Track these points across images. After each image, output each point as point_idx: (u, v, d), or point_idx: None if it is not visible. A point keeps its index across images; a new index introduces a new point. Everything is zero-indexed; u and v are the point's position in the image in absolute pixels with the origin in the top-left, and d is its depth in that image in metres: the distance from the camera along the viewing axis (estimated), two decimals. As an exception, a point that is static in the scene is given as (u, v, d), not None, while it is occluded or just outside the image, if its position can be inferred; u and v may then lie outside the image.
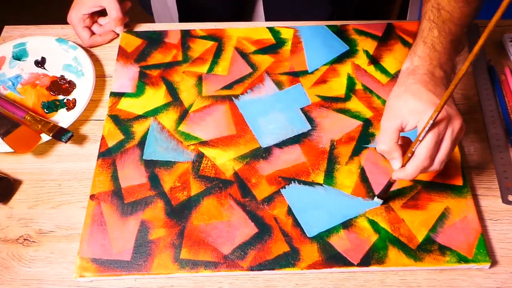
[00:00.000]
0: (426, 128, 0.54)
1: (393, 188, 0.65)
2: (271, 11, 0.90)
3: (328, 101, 0.75)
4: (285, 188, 0.66)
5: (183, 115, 0.74)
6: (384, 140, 0.57)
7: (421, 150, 0.55)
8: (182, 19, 0.93)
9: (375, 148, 0.69)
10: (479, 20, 0.85)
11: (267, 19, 0.91)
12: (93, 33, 0.84)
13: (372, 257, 0.60)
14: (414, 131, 0.57)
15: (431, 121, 0.53)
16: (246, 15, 0.95)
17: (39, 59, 0.82)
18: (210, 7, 0.94)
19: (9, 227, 0.66)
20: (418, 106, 0.55)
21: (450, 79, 0.60)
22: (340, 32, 0.83)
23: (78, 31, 0.83)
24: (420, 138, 0.54)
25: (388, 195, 0.64)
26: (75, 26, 0.83)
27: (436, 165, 0.56)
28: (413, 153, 0.56)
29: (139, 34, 0.84)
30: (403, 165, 0.57)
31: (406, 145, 0.58)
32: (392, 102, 0.58)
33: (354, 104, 0.74)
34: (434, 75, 0.58)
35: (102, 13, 0.84)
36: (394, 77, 0.77)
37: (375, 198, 0.64)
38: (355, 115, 0.73)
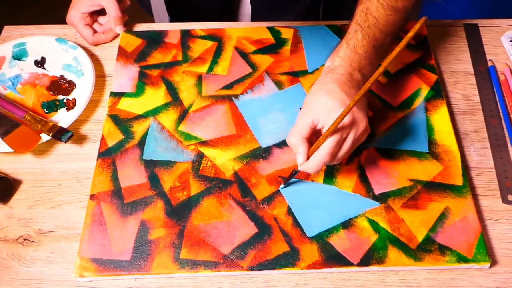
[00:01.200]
0: (331, 125, 0.56)
1: (393, 188, 0.65)
2: (258, 8, 0.90)
3: (328, 101, 0.74)
4: (284, 185, 0.66)
5: (183, 115, 0.74)
6: (294, 133, 0.60)
7: (324, 148, 0.58)
8: (171, 16, 0.93)
9: (375, 148, 0.69)
10: (479, 20, 0.85)
11: (253, 14, 0.92)
12: (95, 31, 0.84)
13: (372, 257, 0.60)
14: None
15: (336, 125, 0.55)
16: (233, 12, 0.95)
17: (39, 59, 0.82)
18: (198, 3, 0.94)
19: (9, 227, 0.66)
20: (329, 105, 0.58)
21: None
22: (340, 32, 0.83)
23: (80, 29, 0.83)
24: (324, 133, 0.57)
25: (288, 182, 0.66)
26: (76, 25, 0.83)
27: (335, 161, 0.60)
28: (317, 147, 0.58)
29: (139, 34, 0.84)
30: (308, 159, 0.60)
31: (315, 138, 0.60)
32: (308, 98, 0.61)
33: (354, 104, 0.74)
34: (352, 77, 0.61)
35: (102, 12, 0.84)
36: (394, 77, 0.77)
37: (282, 186, 0.66)
38: (355, 115, 0.73)
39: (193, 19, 0.88)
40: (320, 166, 0.59)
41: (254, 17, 0.92)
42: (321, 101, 0.59)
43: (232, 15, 0.96)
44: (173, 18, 0.95)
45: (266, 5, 0.90)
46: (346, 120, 0.57)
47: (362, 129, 0.59)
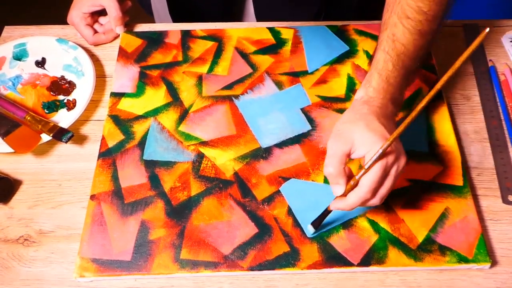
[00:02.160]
0: (374, 158, 0.53)
1: (393, 189, 0.65)
2: (260, 7, 0.90)
3: (328, 101, 0.75)
4: (284, 183, 0.66)
5: (183, 115, 0.74)
6: (333, 163, 0.56)
7: (366, 182, 0.54)
8: (173, 17, 0.93)
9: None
10: (479, 20, 0.85)
11: (257, 15, 0.91)
12: (95, 32, 0.84)
13: (372, 257, 0.60)
14: None
15: (380, 151, 0.53)
16: (236, 12, 0.95)
17: (40, 59, 0.82)
18: (200, 5, 0.94)
19: (9, 227, 0.66)
20: (370, 137, 0.55)
21: (398, 113, 0.62)
22: (340, 32, 0.83)
23: (81, 29, 0.83)
24: (366, 167, 0.54)
25: (321, 225, 0.62)
26: (77, 25, 0.83)
27: (377, 199, 0.56)
28: (357, 182, 0.55)
29: (139, 34, 0.84)
30: (345, 194, 0.57)
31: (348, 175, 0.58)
32: (344, 126, 0.58)
33: (354, 104, 0.74)
34: (387, 109, 0.59)
35: (102, 13, 0.84)
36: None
37: (308, 226, 0.62)
38: (355, 115, 0.73)
39: (195, 19, 0.88)
40: (359, 203, 0.55)
41: (259, 18, 0.91)
42: (360, 132, 0.56)
43: (235, 16, 0.96)
44: (175, 19, 0.95)
45: (268, 6, 0.90)
46: (389, 155, 0.55)
47: (402, 165, 0.56)
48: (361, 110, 0.58)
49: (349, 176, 0.57)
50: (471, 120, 0.74)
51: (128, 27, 0.86)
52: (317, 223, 0.61)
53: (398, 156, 0.56)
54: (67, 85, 0.79)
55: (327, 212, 0.60)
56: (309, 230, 0.62)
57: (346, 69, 0.78)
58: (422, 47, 0.62)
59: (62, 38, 0.83)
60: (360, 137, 0.56)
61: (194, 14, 0.93)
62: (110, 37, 0.85)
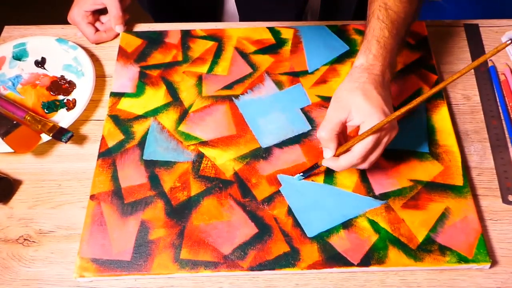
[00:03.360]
0: (370, 133, 0.57)
1: (393, 189, 0.65)
2: (243, 7, 0.91)
3: (328, 101, 0.74)
4: (284, 183, 0.66)
5: (183, 115, 0.74)
6: (326, 128, 0.59)
7: (359, 149, 0.58)
8: (156, 16, 0.96)
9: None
10: (479, 20, 0.85)
11: (240, 15, 0.92)
12: (97, 30, 0.84)
13: (372, 257, 0.60)
14: None
15: (374, 130, 0.57)
16: (217, 11, 0.96)
17: (39, 59, 0.82)
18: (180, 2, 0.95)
19: (9, 227, 0.66)
20: (366, 107, 0.58)
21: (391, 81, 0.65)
22: (340, 32, 0.83)
23: (82, 28, 0.83)
24: (360, 134, 0.57)
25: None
26: (79, 23, 0.83)
27: (366, 164, 0.60)
28: (350, 148, 0.59)
29: (139, 34, 0.84)
30: (336, 155, 0.60)
31: (342, 135, 0.61)
32: (343, 94, 0.61)
33: (354, 104, 0.74)
34: (385, 77, 0.62)
35: (103, 11, 0.84)
36: (394, 77, 0.77)
37: (299, 175, 0.66)
38: (355, 115, 0.73)
39: (177, 18, 0.88)
40: (349, 166, 0.60)
41: (242, 18, 0.92)
42: (357, 101, 0.59)
43: (216, 15, 0.96)
44: (156, 16, 0.96)
45: (251, 7, 0.90)
46: (385, 127, 0.58)
47: (394, 135, 0.60)
48: (360, 78, 0.61)
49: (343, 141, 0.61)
50: (471, 120, 0.74)
51: (128, 26, 0.86)
52: (305, 173, 0.66)
53: (391, 128, 0.59)
54: (67, 85, 0.79)
55: (316, 166, 0.64)
56: (299, 177, 0.66)
57: (346, 69, 0.78)
58: (411, 14, 0.66)
59: (62, 38, 0.83)
60: (357, 107, 0.59)
61: (176, 13, 0.94)
62: (112, 36, 0.85)
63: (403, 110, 0.56)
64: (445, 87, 0.77)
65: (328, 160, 0.61)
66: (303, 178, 0.66)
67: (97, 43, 0.84)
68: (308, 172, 0.66)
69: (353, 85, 0.60)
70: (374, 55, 0.62)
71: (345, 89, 0.61)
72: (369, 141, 0.57)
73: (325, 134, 0.59)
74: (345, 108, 0.59)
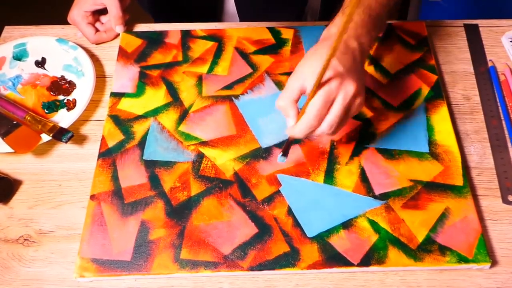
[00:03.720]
0: (315, 88, 0.55)
1: (393, 189, 0.65)
2: (243, 7, 0.91)
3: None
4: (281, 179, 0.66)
5: (183, 115, 0.74)
6: (283, 96, 0.58)
7: (310, 108, 0.56)
8: (156, 16, 0.95)
9: (375, 148, 0.69)
10: (479, 20, 0.85)
11: (240, 15, 0.92)
12: (97, 30, 0.84)
13: (372, 257, 0.60)
14: None
15: (318, 81, 0.54)
16: (217, 12, 0.96)
17: (39, 59, 0.82)
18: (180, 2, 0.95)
19: (9, 227, 0.66)
20: (317, 67, 0.55)
21: (366, 54, 0.62)
22: (340, 32, 0.83)
23: (82, 28, 0.83)
24: (308, 93, 0.56)
25: (288, 152, 0.63)
26: (79, 23, 0.83)
27: (325, 127, 0.57)
28: (303, 110, 0.57)
29: (139, 34, 0.84)
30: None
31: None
32: (300, 63, 0.60)
33: (354, 104, 0.74)
34: (347, 44, 0.60)
35: (103, 11, 0.85)
36: (394, 77, 0.77)
37: (280, 156, 0.62)
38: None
39: (177, 18, 0.88)
40: (308, 130, 0.57)
41: (242, 18, 0.92)
42: (311, 65, 0.58)
43: (216, 15, 0.96)
44: (156, 16, 0.96)
45: (251, 7, 0.90)
46: (334, 81, 0.56)
47: (351, 93, 0.57)
48: (318, 47, 0.60)
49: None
50: (471, 120, 0.74)
51: (128, 27, 0.86)
52: (285, 152, 0.62)
53: (345, 84, 0.57)
54: (67, 85, 0.79)
55: (289, 141, 0.62)
56: (281, 159, 0.62)
57: (346, 69, 0.78)
58: None
59: (62, 38, 0.83)
60: (310, 71, 0.57)
61: (176, 13, 0.94)
62: (112, 36, 0.85)
63: (338, 41, 0.52)
64: (445, 88, 0.77)
65: (290, 128, 0.59)
66: (285, 157, 0.62)
67: (97, 44, 0.85)
68: (286, 150, 0.62)
69: (310, 53, 0.60)
70: (335, 25, 0.61)
71: (303, 58, 0.60)
72: (318, 95, 0.55)
73: (282, 102, 0.58)
74: (300, 75, 0.58)
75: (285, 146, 0.62)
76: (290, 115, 0.59)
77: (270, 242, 0.62)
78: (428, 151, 0.69)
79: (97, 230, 0.63)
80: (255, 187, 0.66)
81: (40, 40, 0.83)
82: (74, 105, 0.76)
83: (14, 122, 0.71)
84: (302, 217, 0.64)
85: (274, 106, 0.74)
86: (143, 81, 0.78)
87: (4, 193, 0.68)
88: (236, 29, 0.84)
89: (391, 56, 0.79)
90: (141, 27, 0.87)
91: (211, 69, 0.79)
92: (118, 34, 0.85)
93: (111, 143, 0.71)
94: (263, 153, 0.70)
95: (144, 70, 0.79)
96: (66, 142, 0.71)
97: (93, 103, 0.77)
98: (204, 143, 0.71)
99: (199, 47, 0.82)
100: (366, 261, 0.60)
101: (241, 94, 0.76)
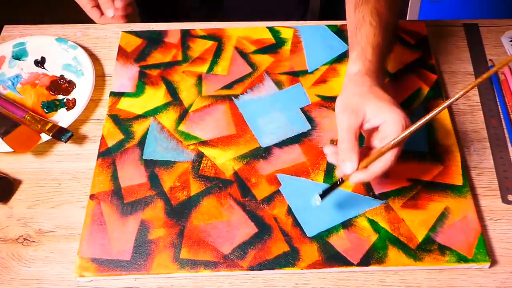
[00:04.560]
0: (402, 135, 0.55)
1: (393, 188, 0.65)
2: (243, 6, 0.92)
3: (328, 101, 0.75)
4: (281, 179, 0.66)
5: (183, 115, 0.74)
6: (347, 137, 0.56)
7: (389, 157, 0.56)
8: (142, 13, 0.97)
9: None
10: (479, 20, 0.85)
11: (240, 15, 0.92)
12: (102, 14, 0.86)
13: (372, 256, 0.60)
14: None
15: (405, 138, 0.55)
16: (217, 11, 0.96)
17: (39, 58, 0.82)
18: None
19: (9, 227, 0.66)
20: (384, 107, 0.57)
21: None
22: (340, 32, 0.83)
23: (88, 10, 0.86)
24: (393, 143, 0.55)
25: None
26: (84, 6, 0.86)
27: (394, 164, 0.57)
28: (380, 154, 0.56)
29: (139, 34, 0.84)
30: (359, 168, 0.56)
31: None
32: (353, 100, 0.58)
33: (354, 104, 0.74)
34: (383, 80, 0.62)
35: None
36: (394, 77, 0.77)
37: (315, 195, 0.59)
38: (355, 115, 0.73)
39: (176, 18, 0.88)
40: (381, 173, 0.56)
41: (242, 18, 0.92)
42: (372, 103, 0.57)
43: (216, 15, 0.96)
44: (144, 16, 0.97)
45: (251, 6, 0.91)
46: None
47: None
48: (365, 83, 0.60)
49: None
50: (471, 120, 0.74)
51: (128, 26, 0.86)
52: (325, 194, 0.59)
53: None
54: (66, 84, 0.79)
55: (340, 181, 0.58)
56: (316, 200, 0.59)
57: (345, 68, 0.78)
58: (397, 14, 0.68)
59: (62, 37, 0.83)
60: (373, 108, 0.57)
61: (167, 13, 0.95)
62: (118, 18, 0.86)
63: (423, 121, 0.55)
64: (445, 87, 0.77)
65: (359, 173, 0.56)
66: (321, 202, 0.59)
67: (105, 24, 0.86)
68: (330, 192, 0.59)
69: (362, 89, 0.59)
70: (370, 61, 0.61)
71: (354, 95, 0.59)
72: (393, 154, 0.55)
73: (347, 144, 0.55)
74: (360, 113, 0.57)
75: (330, 189, 0.59)
76: (353, 159, 0.55)
77: (270, 242, 0.62)
78: (428, 151, 0.69)
79: (97, 230, 0.63)
80: (254, 187, 0.66)
81: (40, 40, 0.83)
82: (74, 105, 0.76)
83: (14, 122, 0.71)
84: (301, 216, 0.64)
85: (273, 105, 0.74)
86: (143, 80, 0.78)
87: (4, 193, 0.68)
88: (236, 29, 0.84)
89: (391, 56, 0.79)
90: (141, 27, 0.87)
91: (210, 69, 0.79)
92: (125, 20, 0.87)
93: (110, 143, 0.71)
94: (262, 153, 0.70)
95: (143, 69, 0.79)
96: (65, 142, 0.71)
97: (93, 103, 0.77)
98: (203, 143, 0.71)
99: (199, 47, 0.82)
100: (365, 261, 0.60)
101: (241, 94, 0.76)
